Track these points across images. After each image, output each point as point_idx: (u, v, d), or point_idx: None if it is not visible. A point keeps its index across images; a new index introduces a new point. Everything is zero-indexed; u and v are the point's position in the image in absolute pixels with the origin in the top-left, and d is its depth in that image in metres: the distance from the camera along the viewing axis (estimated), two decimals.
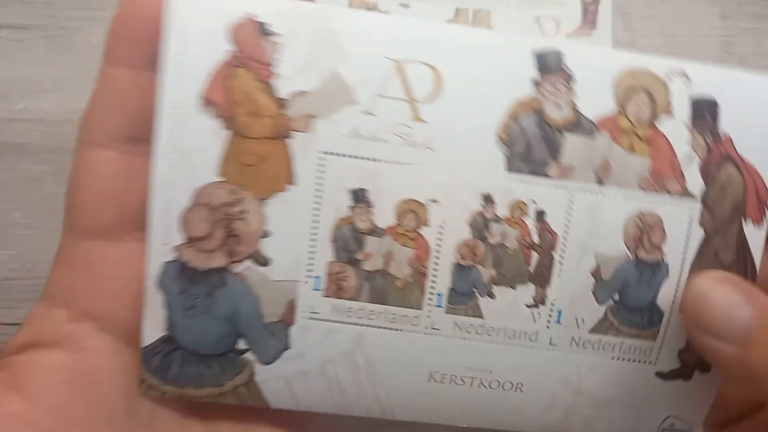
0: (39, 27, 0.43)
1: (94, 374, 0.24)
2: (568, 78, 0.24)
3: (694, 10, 0.43)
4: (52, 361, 0.24)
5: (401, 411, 0.25)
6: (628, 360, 0.25)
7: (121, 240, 0.25)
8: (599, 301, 0.24)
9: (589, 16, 0.42)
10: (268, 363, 0.24)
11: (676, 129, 0.25)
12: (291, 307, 0.24)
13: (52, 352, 0.24)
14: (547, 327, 0.24)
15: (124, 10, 0.23)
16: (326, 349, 0.24)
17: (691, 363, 0.25)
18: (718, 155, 0.24)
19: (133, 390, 0.24)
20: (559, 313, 0.24)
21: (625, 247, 0.24)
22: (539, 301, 0.24)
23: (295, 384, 0.24)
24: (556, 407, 0.25)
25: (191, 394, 0.24)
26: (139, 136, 0.24)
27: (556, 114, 0.24)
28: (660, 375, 0.25)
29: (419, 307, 0.24)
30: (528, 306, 0.24)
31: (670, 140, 0.24)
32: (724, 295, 0.23)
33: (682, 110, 0.25)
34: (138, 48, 0.24)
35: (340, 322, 0.24)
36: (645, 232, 0.24)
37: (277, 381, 0.24)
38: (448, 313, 0.24)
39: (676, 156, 0.24)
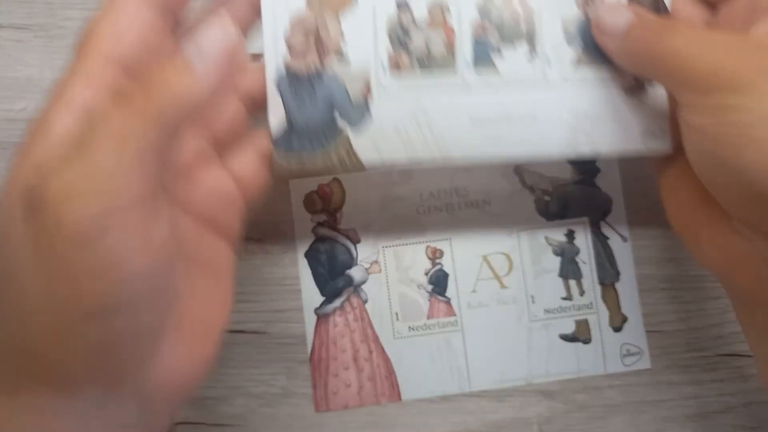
0: (39, 27, 0.43)
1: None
2: None
3: None
4: None
5: (455, 152, 0.34)
6: (602, 82, 0.34)
7: None
8: (569, 44, 0.35)
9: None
10: (358, 128, 0.34)
11: None
12: (367, 86, 0.34)
13: None
14: (543, 71, 0.34)
15: None
16: (396, 112, 0.34)
17: (641, 81, 0.34)
18: None
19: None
20: (549, 59, 0.34)
21: (579, 10, 0.35)
22: (532, 52, 0.35)
23: (379, 142, 0.34)
24: (563, 129, 0.34)
25: (309, 163, 0.34)
26: None
27: None
28: (626, 91, 0.34)
29: (455, 73, 0.34)
30: (527, 59, 0.34)
31: None
32: (612, 3, 0.33)
33: None
34: None
35: (402, 88, 0.34)
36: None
37: (366, 142, 0.34)
38: (476, 74, 0.34)
39: None
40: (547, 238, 0.41)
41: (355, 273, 0.41)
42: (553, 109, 0.34)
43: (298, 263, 0.41)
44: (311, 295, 0.41)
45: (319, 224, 0.41)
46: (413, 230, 0.41)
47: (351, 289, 0.41)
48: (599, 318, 0.41)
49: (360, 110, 0.34)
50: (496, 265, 0.41)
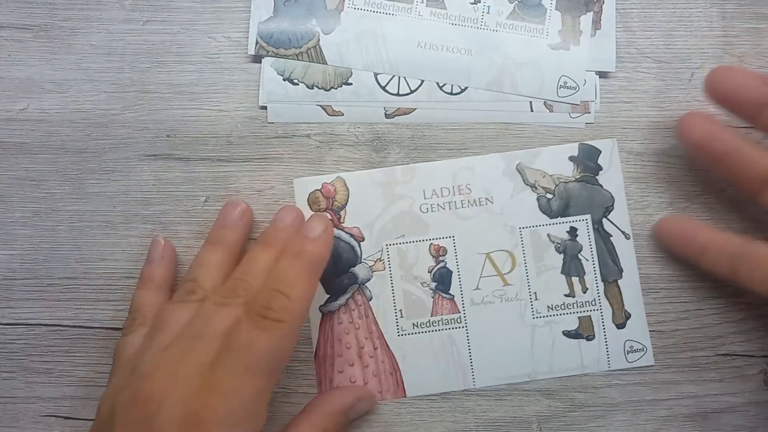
0: (39, 27, 0.43)
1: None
2: None
3: (694, 10, 0.43)
4: None
5: (402, 67, 0.42)
6: (530, 36, 0.42)
7: None
8: (510, 1, 0.42)
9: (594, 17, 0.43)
10: (327, 33, 0.42)
11: None
12: (342, 1, 0.42)
13: None
14: (482, 15, 0.42)
15: None
16: (360, 26, 0.42)
17: (566, 40, 0.42)
18: None
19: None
20: (488, 7, 0.42)
21: None
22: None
23: (342, 47, 0.42)
24: (492, 67, 0.42)
25: (283, 53, 0.42)
26: None
27: None
28: (550, 47, 0.42)
29: (411, 2, 0.42)
30: (471, 3, 0.42)
31: None
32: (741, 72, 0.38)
33: None
34: None
35: (369, 10, 0.42)
36: None
37: (331, 46, 0.42)
38: (427, 6, 0.42)
39: None
40: (549, 236, 0.42)
41: (359, 271, 0.41)
42: (485, 48, 0.42)
43: None
44: (317, 292, 0.40)
45: None
46: (416, 228, 0.42)
47: (355, 286, 0.41)
48: (602, 314, 0.41)
49: (332, 17, 0.42)
50: (499, 263, 0.42)
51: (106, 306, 0.42)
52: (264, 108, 0.42)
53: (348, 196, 0.42)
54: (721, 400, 0.41)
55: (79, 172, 0.42)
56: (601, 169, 0.42)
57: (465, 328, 0.41)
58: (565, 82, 0.42)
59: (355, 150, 0.42)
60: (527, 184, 0.42)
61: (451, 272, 0.42)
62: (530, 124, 0.42)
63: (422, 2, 0.42)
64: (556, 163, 0.42)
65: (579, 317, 0.41)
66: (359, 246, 0.42)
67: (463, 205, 0.42)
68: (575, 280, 0.42)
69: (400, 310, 0.41)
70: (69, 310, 0.42)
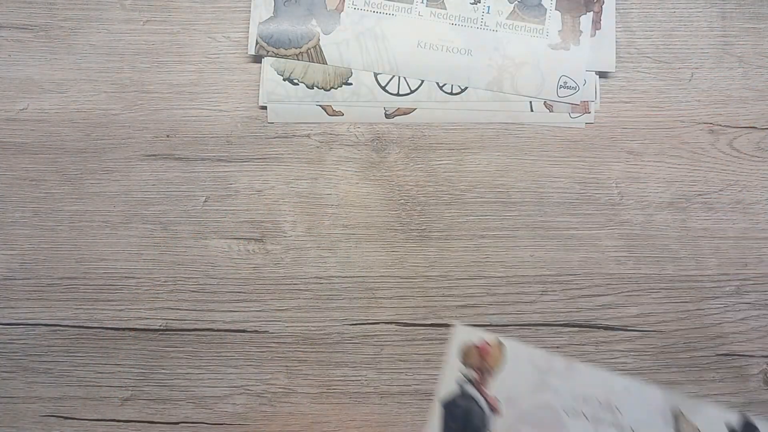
0: (39, 27, 0.43)
1: None
2: None
3: (694, 10, 0.43)
4: None
5: (403, 68, 0.42)
6: (530, 36, 0.42)
7: None
8: (510, 2, 0.42)
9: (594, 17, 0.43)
10: (327, 33, 0.42)
11: None
12: (342, 2, 0.42)
13: None
14: (482, 15, 0.42)
15: None
16: (360, 26, 0.42)
17: (566, 41, 0.42)
18: None
19: None
20: (488, 7, 0.42)
21: None
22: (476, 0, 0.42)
23: (342, 47, 0.42)
24: (492, 67, 0.42)
25: (283, 53, 0.42)
26: None
27: None
28: (550, 47, 0.42)
29: (411, 2, 0.42)
30: (471, 3, 0.42)
31: None
32: None
33: None
34: None
35: (369, 10, 0.42)
36: None
37: (331, 46, 0.42)
38: (427, 6, 0.42)
39: None
40: None
41: None
42: (485, 48, 0.42)
43: (434, 408, 0.39)
44: None
45: (468, 380, 0.38)
46: (555, 428, 0.38)
47: None
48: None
49: (332, 17, 0.42)
50: None
51: (106, 306, 0.42)
52: (264, 108, 0.42)
53: (502, 363, 0.38)
54: (720, 400, 0.41)
55: (79, 172, 0.42)
56: None
57: None
58: (565, 82, 0.42)
59: (355, 150, 0.42)
60: None
61: None
62: (530, 124, 0.42)
63: (422, 2, 0.43)
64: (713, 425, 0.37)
65: None
66: (492, 418, 0.37)
67: (604, 425, 0.38)
68: None
69: None
70: (69, 310, 0.42)
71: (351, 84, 0.42)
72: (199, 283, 0.41)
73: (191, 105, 0.42)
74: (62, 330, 0.42)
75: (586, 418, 0.37)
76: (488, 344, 0.39)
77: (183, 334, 0.41)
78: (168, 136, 0.42)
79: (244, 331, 0.41)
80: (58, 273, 0.42)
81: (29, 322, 0.42)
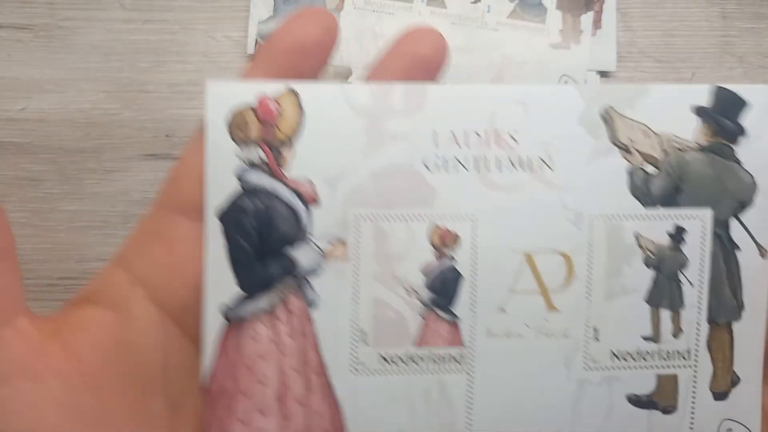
0: (39, 27, 0.43)
1: (133, 341, 0.24)
2: None
3: (694, 10, 0.43)
4: (97, 318, 0.24)
5: None
6: (531, 35, 0.44)
7: (201, 222, 0.24)
8: (510, 1, 0.44)
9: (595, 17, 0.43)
10: None
11: None
12: (342, 2, 0.44)
13: (99, 310, 0.25)
14: (482, 14, 0.44)
15: None
16: (360, 25, 0.43)
17: (567, 39, 0.43)
18: None
19: (167, 367, 0.24)
20: (489, 6, 0.44)
21: None
22: None
23: (342, 46, 0.44)
24: (492, 67, 0.44)
25: None
26: None
27: None
28: (551, 45, 0.43)
29: (411, 1, 0.44)
30: (471, 2, 0.43)
31: None
32: None
33: None
34: None
35: (368, 9, 0.44)
36: None
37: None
38: (427, 5, 0.43)
39: None
40: (638, 237, 0.24)
41: (301, 255, 0.23)
42: (486, 48, 0.42)
43: (205, 227, 0.23)
44: (220, 283, 0.23)
45: (252, 164, 0.23)
46: (414, 195, 0.23)
47: (292, 281, 0.23)
48: (696, 375, 0.25)
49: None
50: (546, 271, 0.24)
51: None
52: None
53: (301, 123, 0.23)
54: None
55: (79, 171, 0.42)
56: (744, 134, 0.25)
57: (469, 374, 0.24)
58: (566, 82, 0.42)
59: None
60: (616, 144, 0.24)
61: (461, 278, 0.24)
62: None
63: (422, 1, 0.43)
64: (670, 114, 0.24)
65: (659, 375, 0.25)
66: (307, 212, 0.23)
67: (501, 166, 0.23)
68: (665, 314, 0.25)
69: (363, 331, 0.24)
70: None
71: (351, 84, 0.42)
72: None
73: (191, 105, 0.42)
74: None
75: (463, 165, 0.23)
76: (270, 99, 0.23)
77: None
78: (168, 136, 0.42)
79: None
80: (58, 273, 0.42)
81: None
